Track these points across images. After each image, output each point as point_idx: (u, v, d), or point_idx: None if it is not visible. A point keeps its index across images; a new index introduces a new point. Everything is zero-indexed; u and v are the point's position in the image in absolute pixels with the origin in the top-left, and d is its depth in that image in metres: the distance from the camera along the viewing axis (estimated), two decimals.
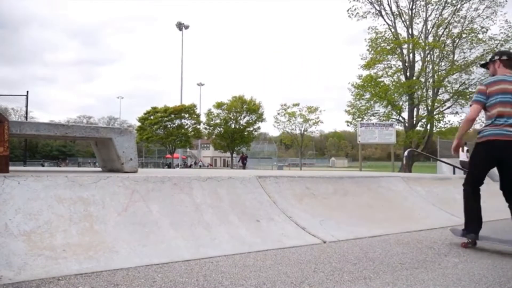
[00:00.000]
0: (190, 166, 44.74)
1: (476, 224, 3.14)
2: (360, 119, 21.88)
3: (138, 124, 40.53)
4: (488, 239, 3.19)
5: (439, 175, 9.29)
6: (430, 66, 21.86)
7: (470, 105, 3.18)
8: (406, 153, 14.14)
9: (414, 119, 22.40)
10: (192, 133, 41.00)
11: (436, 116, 21.99)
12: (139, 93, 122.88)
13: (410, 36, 22.12)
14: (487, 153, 3.13)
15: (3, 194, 2.37)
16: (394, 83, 22.18)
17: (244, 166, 33.57)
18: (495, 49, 20.15)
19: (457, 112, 21.91)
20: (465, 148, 15.55)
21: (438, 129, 22.36)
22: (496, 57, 3.20)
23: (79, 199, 2.60)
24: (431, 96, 22.05)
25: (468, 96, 20.99)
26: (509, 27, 20.19)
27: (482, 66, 3.54)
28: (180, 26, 41.72)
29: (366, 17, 22.58)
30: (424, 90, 21.99)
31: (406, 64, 22.04)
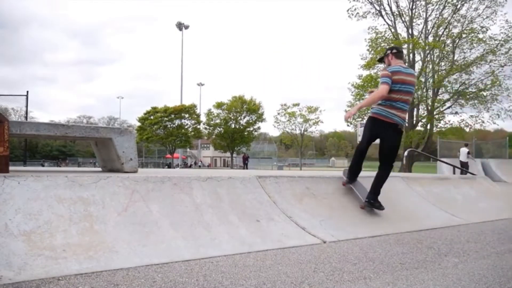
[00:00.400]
0: (190, 166, 44.76)
1: (354, 175, 4.15)
2: (360, 119, 21.87)
3: (138, 124, 40.54)
4: (357, 187, 4.16)
5: (439, 175, 9.29)
6: (430, 66, 21.82)
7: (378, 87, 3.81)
8: (406, 153, 14.14)
9: (414, 119, 22.38)
10: (192, 133, 41.00)
11: (436, 116, 21.97)
12: (139, 93, 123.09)
13: (410, 36, 22.09)
14: (370, 127, 3.87)
15: (3, 194, 2.37)
16: None
17: (245, 166, 33.60)
18: (495, 49, 20.13)
19: (456, 112, 21.89)
20: (466, 150, 15.61)
21: (438, 129, 22.36)
22: (388, 51, 3.93)
23: (79, 199, 2.60)
24: (431, 96, 22.03)
25: (468, 96, 20.98)
26: (509, 27, 20.17)
27: (379, 61, 4.17)
28: (180, 26, 41.77)
29: (366, 17, 22.55)
30: (424, 90, 21.97)
31: (406, 64, 22.02)
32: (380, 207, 3.79)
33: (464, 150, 15.59)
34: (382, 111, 3.73)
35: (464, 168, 14.45)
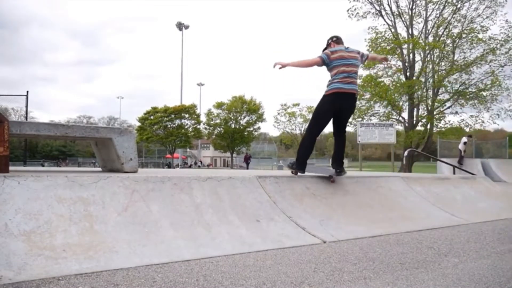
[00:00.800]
0: (190, 166, 44.75)
1: (304, 163, 4.34)
2: (360, 119, 21.87)
3: (138, 124, 40.52)
4: (310, 169, 4.53)
5: (439, 175, 9.28)
6: (430, 66, 21.82)
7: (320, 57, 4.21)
8: (406, 153, 14.15)
9: (414, 119, 22.38)
10: (192, 133, 40.99)
11: (436, 116, 21.97)
12: (139, 93, 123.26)
13: (410, 36, 22.09)
14: (333, 102, 4.13)
15: (3, 194, 2.37)
16: (394, 83, 22.15)
17: (247, 166, 33.60)
18: (495, 49, 20.12)
19: (457, 112, 21.89)
20: (465, 139, 15.81)
21: (438, 129, 22.35)
22: (330, 40, 4.47)
23: (79, 199, 2.60)
24: (431, 96, 22.02)
25: (468, 96, 20.99)
26: (509, 27, 20.16)
27: (324, 51, 4.39)
28: (180, 26, 41.70)
29: (366, 17, 22.53)
30: (424, 90, 21.97)
31: (406, 64, 22.02)
32: (343, 172, 4.31)
33: (463, 139, 15.94)
34: (342, 84, 4.09)
35: (460, 155, 15.00)
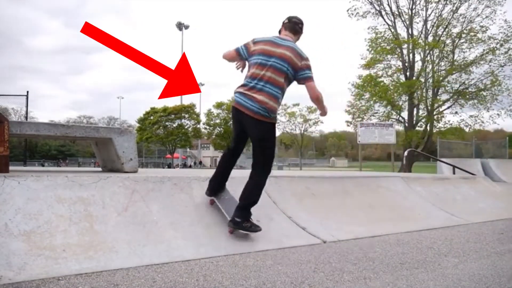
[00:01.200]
0: (190, 166, 44.76)
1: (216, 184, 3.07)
2: (360, 119, 21.86)
3: (138, 125, 40.60)
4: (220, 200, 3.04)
5: (439, 175, 9.29)
6: (430, 66, 21.83)
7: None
8: (406, 153, 14.15)
9: (414, 119, 22.38)
10: (192, 133, 41.02)
11: (435, 116, 21.97)
12: (138, 93, 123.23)
13: (410, 36, 22.08)
14: (233, 118, 2.95)
15: (3, 194, 2.37)
16: (394, 83, 22.15)
17: None
18: (495, 48, 20.12)
19: (456, 112, 21.89)
20: None
21: (437, 129, 22.35)
22: (281, 25, 3.05)
23: (79, 199, 2.60)
24: (430, 96, 22.02)
25: (467, 96, 20.99)
26: (508, 27, 20.16)
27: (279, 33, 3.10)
28: (180, 26, 41.66)
29: (366, 17, 22.51)
30: (424, 90, 21.97)
31: (406, 64, 22.01)
32: (252, 227, 2.73)
33: None
34: (241, 96, 2.79)
35: None
